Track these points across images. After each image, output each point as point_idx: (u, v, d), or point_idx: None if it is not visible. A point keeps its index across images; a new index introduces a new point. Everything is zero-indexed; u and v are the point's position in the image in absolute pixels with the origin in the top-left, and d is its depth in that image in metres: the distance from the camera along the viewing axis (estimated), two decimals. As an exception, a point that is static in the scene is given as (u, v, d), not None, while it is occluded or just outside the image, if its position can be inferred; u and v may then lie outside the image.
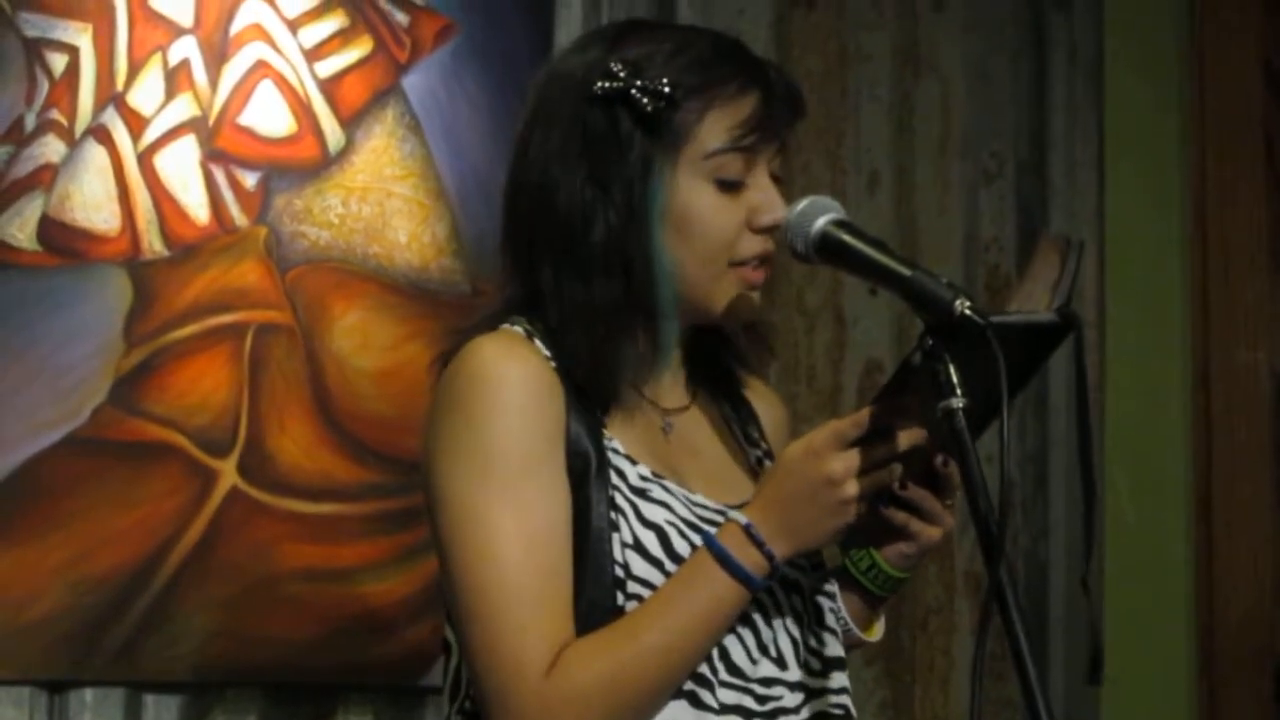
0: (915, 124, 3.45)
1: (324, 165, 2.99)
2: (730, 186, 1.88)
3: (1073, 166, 3.49)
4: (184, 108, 2.94)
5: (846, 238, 1.84)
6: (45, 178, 2.88)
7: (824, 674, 1.91)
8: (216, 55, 2.95)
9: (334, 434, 2.94)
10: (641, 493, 1.84)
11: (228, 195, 2.95)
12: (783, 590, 1.89)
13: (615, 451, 1.85)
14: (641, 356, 1.90)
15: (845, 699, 1.91)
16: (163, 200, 2.92)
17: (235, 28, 2.96)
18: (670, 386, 1.95)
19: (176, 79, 2.94)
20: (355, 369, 2.97)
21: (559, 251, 1.87)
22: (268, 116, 2.97)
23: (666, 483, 1.86)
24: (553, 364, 1.85)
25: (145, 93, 2.93)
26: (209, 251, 2.93)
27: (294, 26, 3.00)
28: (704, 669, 1.82)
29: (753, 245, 1.89)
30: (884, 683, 3.34)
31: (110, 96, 2.91)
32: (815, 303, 3.37)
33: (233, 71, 2.96)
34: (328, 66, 3.01)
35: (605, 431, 1.86)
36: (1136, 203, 3.53)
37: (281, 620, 2.89)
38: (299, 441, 2.93)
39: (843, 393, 3.36)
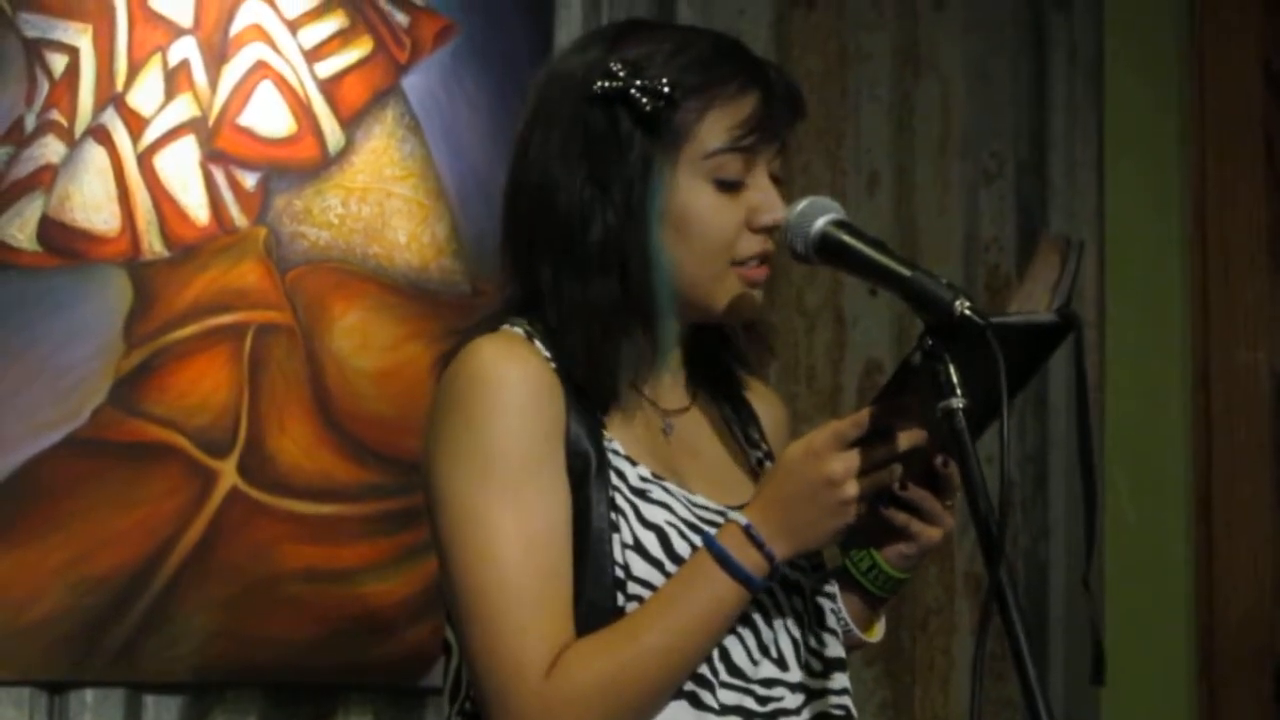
0: (915, 124, 3.45)
1: (324, 166, 2.99)
2: (730, 186, 1.88)
3: (1073, 166, 3.49)
4: (184, 108, 2.94)
5: (846, 238, 1.84)
6: (45, 178, 2.88)
7: (825, 675, 1.91)
8: (216, 56, 2.95)
9: (334, 434, 2.94)
10: (641, 493, 1.84)
11: (227, 196, 2.95)
12: (783, 591, 1.89)
13: (615, 452, 1.85)
14: (640, 356, 1.90)
15: (846, 699, 1.91)
16: (163, 201, 2.92)
17: (235, 28, 2.96)
18: (670, 387, 1.95)
19: (176, 79, 2.94)
20: (355, 369, 2.97)
21: (558, 251, 1.87)
22: (267, 117, 2.97)
23: (667, 484, 1.86)
24: (553, 365, 1.85)
25: (145, 93, 2.93)
26: (209, 252, 2.93)
27: (294, 27, 3.00)
28: (704, 670, 1.82)
29: (752, 245, 1.89)
30: (884, 683, 3.34)
31: (110, 97, 2.91)
32: (815, 303, 3.37)
33: (232, 72, 2.96)
34: (327, 67, 3.01)
35: (605, 432, 1.86)
36: (1136, 203, 3.53)
37: (281, 621, 2.89)
38: (299, 442, 2.93)
39: (843, 393, 3.36)
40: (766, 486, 1.82)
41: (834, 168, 3.40)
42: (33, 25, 2.90)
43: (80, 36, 2.91)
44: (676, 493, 1.86)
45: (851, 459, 1.78)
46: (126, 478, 2.85)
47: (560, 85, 1.90)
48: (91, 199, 2.89)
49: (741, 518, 1.81)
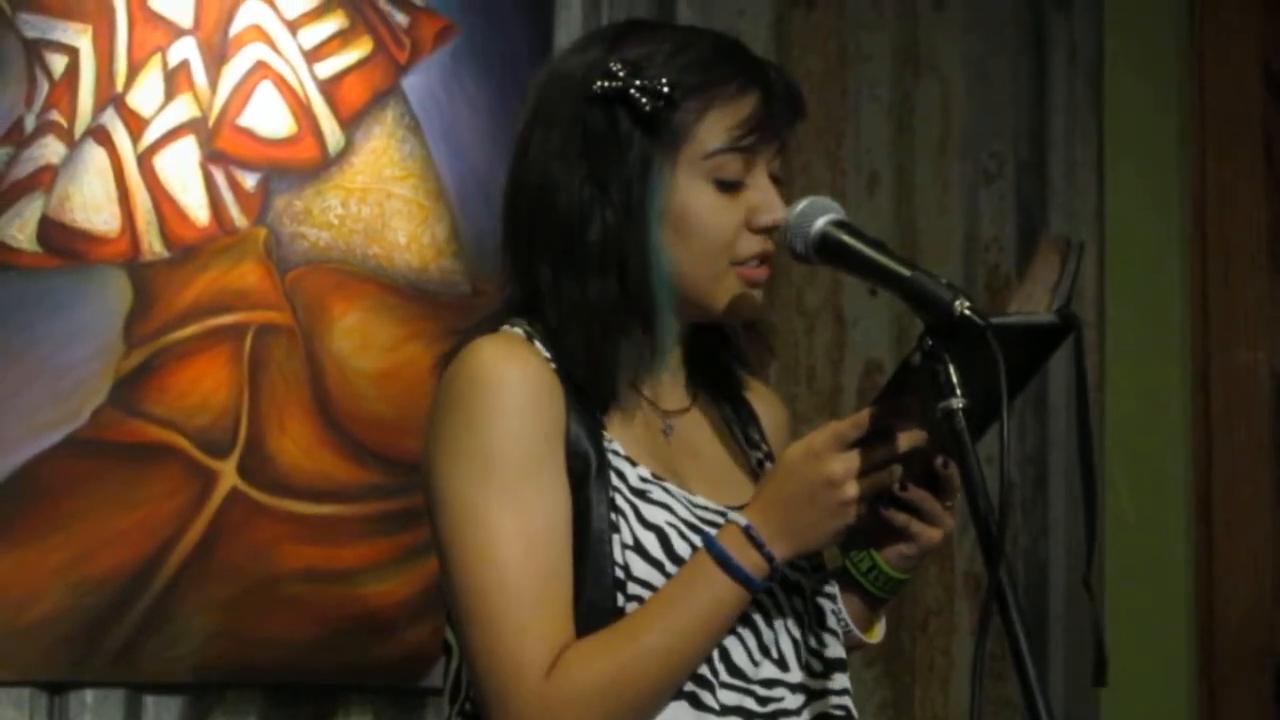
0: (915, 124, 3.45)
1: (324, 166, 2.99)
2: (729, 187, 1.88)
3: (1072, 167, 3.49)
4: (184, 109, 2.94)
5: (846, 238, 1.84)
6: (45, 179, 2.88)
7: (825, 675, 1.91)
8: (216, 56, 2.95)
9: (334, 435, 2.94)
10: (642, 494, 1.84)
11: (227, 196, 2.95)
12: (784, 591, 1.89)
13: (615, 453, 1.85)
14: (640, 356, 1.90)
15: (846, 700, 1.91)
16: (162, 201, 2.92)
17: (235, 29, 2.96)
18: (670, 388, 1.95)
19: (176, 80, 2.94)
20: (355, 370, 2.97)
21: (558, 251, 1.87)
22: (267, 117, 2.97)
23: (667, 484, 1.86)
24: (553, 365, 1.85)
25: (145, 94, 2.93)
26: (209, 252, 2.93)
27: (294, 27, 3.00)
28: (705, 670, 1.82)
29: (752, 245, 1.89)
30: (884, 683, 3.34)
31: (110, 97, 2.91)
32: (815, 303, 3.37)
33: (232, 72, 2.96)
34: (327, 67, 3.01)
35: (605, 433, 1.86)
36: (1136, 203, 3.53)
37: (281, 621, 2.89)
38: (299, 442, 2.93)
39: (843, 393, 3.36)
40: (766, 487, 1.82)
41: (834, 168, 3.40)
42: (32, 26, 2.90)
43: (80, 37, 2.91)
44: (677, 493, 1.86)
45: (851, 460, 1.78)
46: (126, 478, 2.85)
47: (560, 85, 1.90)
48: (91, 199, 2.89)
49: (741, 518, 1.81)
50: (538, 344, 1.86)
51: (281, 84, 2.98)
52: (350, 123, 3.01)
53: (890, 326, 3.37)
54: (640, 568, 1.81)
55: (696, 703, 1.81)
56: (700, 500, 1.88)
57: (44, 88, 2.89)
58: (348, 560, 2.93)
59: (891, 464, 1.79)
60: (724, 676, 1.84)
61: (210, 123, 2.94)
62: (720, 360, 2.00)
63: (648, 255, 1.86)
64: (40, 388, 2.84)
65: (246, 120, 2.96)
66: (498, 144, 2.95)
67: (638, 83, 1.85)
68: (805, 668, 1.90)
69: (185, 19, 2.95)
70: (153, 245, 2.91)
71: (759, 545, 1.79)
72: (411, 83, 3.04)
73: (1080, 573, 3.07)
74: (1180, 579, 3.46)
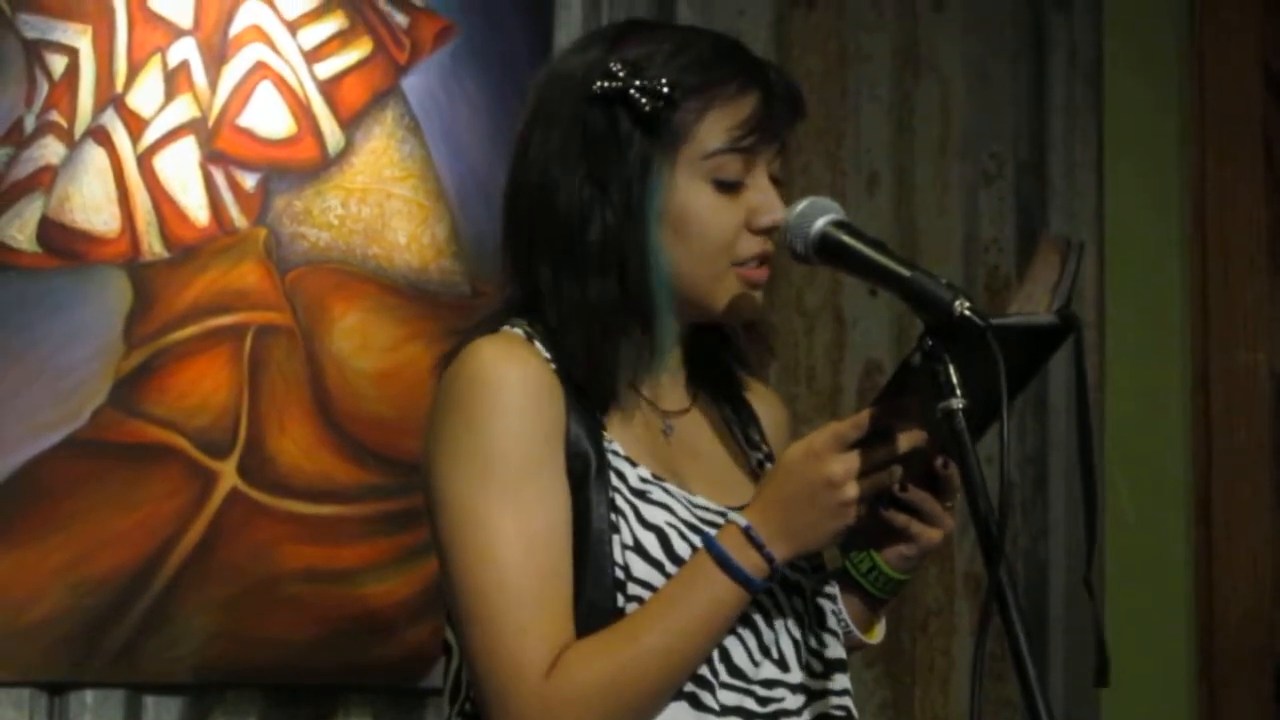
0: (915, 124, 3.45)
1: (323, 166, 2.99)
2: (729, 187, 1.88)
3: (1072, 167, 3.49)
4: (183, 109, 2.94)
5: (846, 238, 1.84)
6: (45, 179, 2.88)
7: (825, 676, 1.91)
8: (216, 57, 2.95)
9: (334, 435, 2.94)
10: (641, 494, 1.84)
11: (227, 197, 2.95)
12: (784, 592, 1.89)
13: (615, 453, 1.85)
14: (640, 357, 1.89)
15: (847, 700, 1.91)
16: (162, 202, 2.92)
17: (235, 29, 2.96)
18: (670, 388, 1.95)
19: (176, 80, 2.94)
20: (355, 370, 2.97)
21: (558, 251, 1.87)
22: (267, 118, 2.97)
23: (667, 484, 1.86)
24: (553, 366, 1.85)
25: (145, 94, 2.93)
26: (209, 253, 2.93)
27: (293, 28, 3.00)
28: (705, 670, 1.82)
29: (751, 246, 1.89)
30: (884, 684, 3.34)
31: (110, 98, 2.91)
32: (815, 303, 3.37)
33: (232, 73, 2.96)
34: (327, 68, 3.01)
35: (605, 433, 1.86)
36: (1136, 203, 3.53)
37: (281, 621, 2.89)
38: (299, 443, 2.93)
39: (842, 394, 3.36)
40: (766, 488, 1.82)
41: (834, 168, 3.40)
42: (32, 26, 2.90)
43: (80, 37, 2.91)
44: (677, 494, 1.86)
45: (851, 460, 1.78)
46: (126, 478, 2.85)
47: (560, 85, 1.90)
48: (91, 200, 2.89)
49: (741, 519, 1.81)
50: (538, 344, 1.86)
51: (281, 84, 2.98)
52: (350, 123, 3.01)
53: (890, 327, 3.37)
54: (640, 568, 1.81)
55: (696, 703, 1.81)
56: (700, 501, 1.87)
57: (44, 88, 2.89)
58: (348, 560, 2.93)
59: (891, 464, 1.79)
60: (724, 677, 1.84)
61: (210, 123, 2.94)
62: (720, 361, 2.00)
63: (647, 255, 1.86)
64: (40, 388, 2.84)
65: (246, 120, 2.96)
66: (497, 144, 2.95)
67: (638, 83, 1.85)
68: (805, 668, 1.90)
69: (185, 19, 2.95)
70: (153, 246, 2.91)
71: (759, 546, 1.79)
72: (411, 83, 3.04)
73: (1080, 573, 3.07)
74: (1180, 579, 3.46)
